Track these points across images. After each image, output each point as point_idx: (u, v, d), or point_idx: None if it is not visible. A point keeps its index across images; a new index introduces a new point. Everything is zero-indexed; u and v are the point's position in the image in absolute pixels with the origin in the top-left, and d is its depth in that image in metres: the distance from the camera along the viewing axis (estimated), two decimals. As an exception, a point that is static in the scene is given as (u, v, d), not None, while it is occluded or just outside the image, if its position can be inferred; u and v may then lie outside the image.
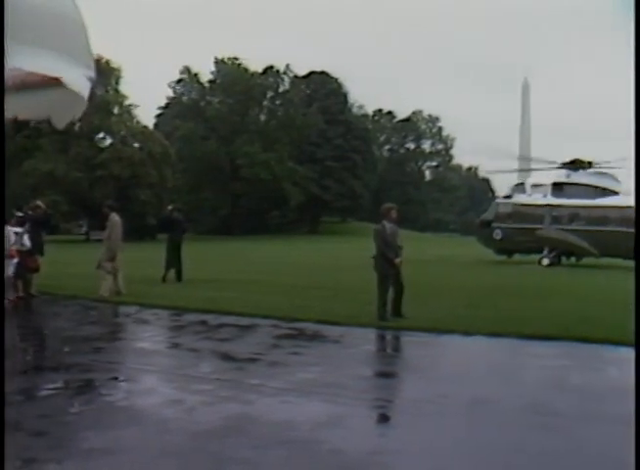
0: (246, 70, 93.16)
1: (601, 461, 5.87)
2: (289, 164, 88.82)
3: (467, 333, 11.91)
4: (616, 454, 6.05)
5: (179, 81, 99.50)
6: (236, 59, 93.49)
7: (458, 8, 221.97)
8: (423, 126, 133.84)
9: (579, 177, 37.88)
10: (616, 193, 36.84)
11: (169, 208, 23.41)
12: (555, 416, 7.15)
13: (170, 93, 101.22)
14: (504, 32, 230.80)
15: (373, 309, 13.28)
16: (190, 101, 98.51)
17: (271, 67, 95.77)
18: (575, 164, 38.32)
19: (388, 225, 13.52)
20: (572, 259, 39.13)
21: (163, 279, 20.61)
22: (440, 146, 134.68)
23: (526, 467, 5.73)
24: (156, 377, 9.03)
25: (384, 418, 7.49)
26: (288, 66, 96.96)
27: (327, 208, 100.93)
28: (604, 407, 7.57)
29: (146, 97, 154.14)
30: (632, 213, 35.28)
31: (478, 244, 41.12)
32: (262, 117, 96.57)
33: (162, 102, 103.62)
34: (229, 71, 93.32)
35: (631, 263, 36.53)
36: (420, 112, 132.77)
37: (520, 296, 18.29)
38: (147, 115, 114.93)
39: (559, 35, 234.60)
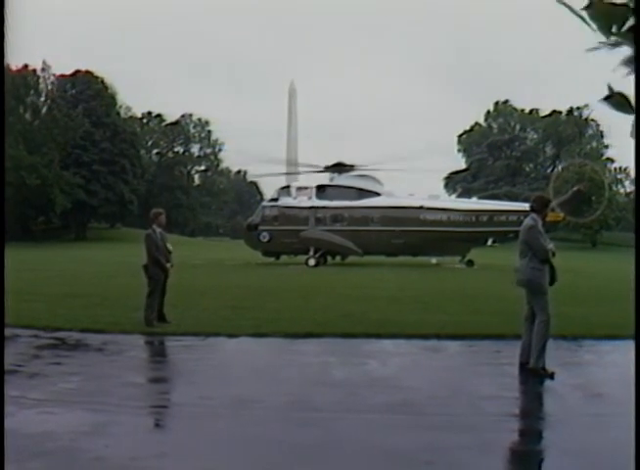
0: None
1: (355, 448, 6.18)
2: (58, 169, 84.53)
3: (232, 335, 12.07)
4: (368, 440, 6.42)
5: None
6: None
7: (225, 10, 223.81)
8: (192, 130, 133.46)
9: (342, 180, 39.54)
10: (377, 194, 38.82)
11: None
12: (315, 411, 7.41)
13: None
14: (274, 35, 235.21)
15: (139, 316, 13.11)
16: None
17: (26, 65, 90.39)
18: (339, 168, 39.97)
19: (158, 230, 13.56)
20: (338, 258, 40.81)
21: None
22: (209, 150, 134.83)
23: (284, 459, 5.95)
24: None
25: (148, 424, 7.36)
26: (44, 62, 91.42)
27: (94, 213, 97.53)
28: (361, 399, 7.96)
29: None
30: (393, 213, 37.55)
31: (246, 247, 41.63)
32: (27, 117, 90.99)
33: None
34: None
35: (393, 260, 38.90)
36: (189, 115, 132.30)
37: (284, 296, 18.80)
38: None
39: (326, 37, 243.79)
